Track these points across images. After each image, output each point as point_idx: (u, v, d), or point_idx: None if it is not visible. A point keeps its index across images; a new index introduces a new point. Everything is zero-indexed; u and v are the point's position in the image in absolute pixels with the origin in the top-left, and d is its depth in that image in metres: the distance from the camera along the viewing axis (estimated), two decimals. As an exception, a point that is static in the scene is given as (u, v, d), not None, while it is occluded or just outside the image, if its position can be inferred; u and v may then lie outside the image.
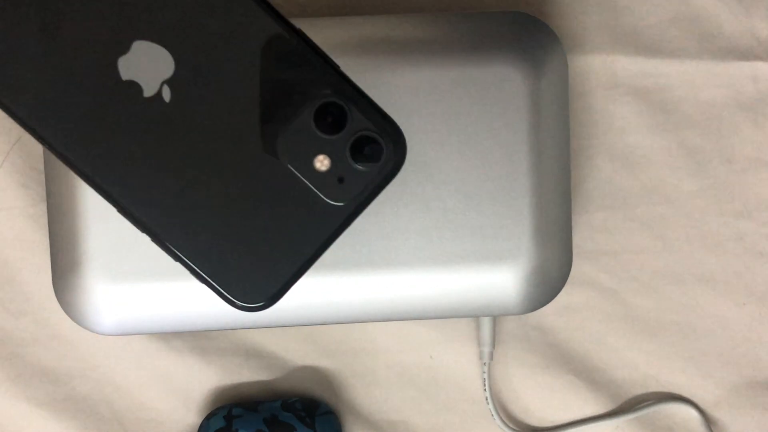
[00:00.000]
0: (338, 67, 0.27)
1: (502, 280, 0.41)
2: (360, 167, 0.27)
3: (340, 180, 0.27)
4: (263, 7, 0.26)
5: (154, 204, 0.27)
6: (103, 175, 0.27)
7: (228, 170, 0.27)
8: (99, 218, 0.40)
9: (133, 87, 0.26)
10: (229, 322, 0.42)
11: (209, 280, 0.28)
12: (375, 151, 0.27)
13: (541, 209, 0.40)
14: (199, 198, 0.27)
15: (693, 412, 0.48)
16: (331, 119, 0.27)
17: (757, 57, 0.47)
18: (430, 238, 0.40)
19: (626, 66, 0.47)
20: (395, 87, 0.39)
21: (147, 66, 0.26)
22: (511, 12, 0.41)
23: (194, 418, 0.48)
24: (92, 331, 0.42)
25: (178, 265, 0.40)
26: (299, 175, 0.27)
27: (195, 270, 0.28)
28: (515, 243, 0.40)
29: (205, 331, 0.45)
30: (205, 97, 0.27)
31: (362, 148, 0.27)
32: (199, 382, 0.48)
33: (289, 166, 0.27)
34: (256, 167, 0.27)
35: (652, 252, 0.48)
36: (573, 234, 0.44)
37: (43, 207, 0.46)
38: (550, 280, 0.42)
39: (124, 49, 0.26)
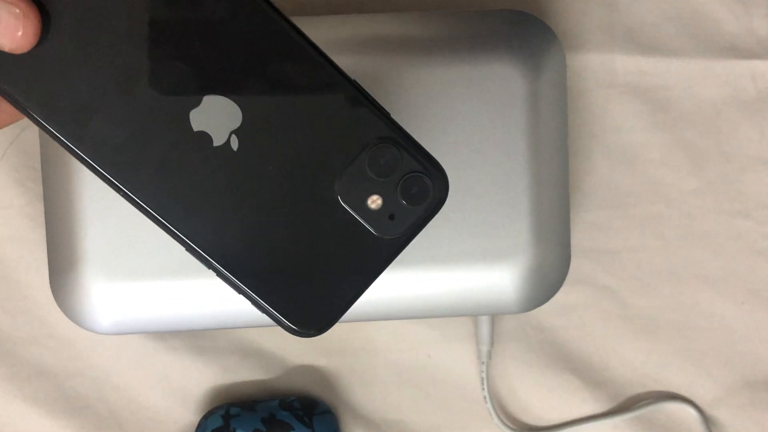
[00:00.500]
0: (389, 114, 0.30)
1: (500, 279, 0.41)
2: (408, 205, 0.30)
3: (391, 217, 0.30)
4: (321, 58, 0.29)
5: (222, 242, 0.30)
6: (175, 219, 0.29)
7: (289, 211, 0.30)
8: (96, 217, 0.40)
9: (204, 137, 0.29)
10: (227, 321, 0.42)
11: (271, 310, 0.31)
12: (422, 189, 0.30)
13: (540, 208, 0.40)
14: (263, 237, 0.30)
15: (691, 411, 0.48)
16: (383, 162, 0.29)
17: (756, 56, 0.47)
18: (428, 237, 0.40)
19: (625, 65, 0.47)
20: (393, 85, 0.39)
21: (217, 118, 0.29)
22: (509, 10, 0.41)
23: (192, 417, 0.48)
24: (89, 330, 0.42)
25: (175, 264, 0.40)
26: (354, 214, 0.30)
27: (258, 301, 0.30)
28: (513, 242, 0.40)
29: (203, 330, 0.45)
30: (269, 144, 0.29)
31: (410, 187, 0.30)
32: (197, 381, 0.48)
33: (345, 206, 0.29)
34: (315, 208, 0.30)
35: (651, 251, 0.48)
36: (571, 233, 0.43)
37: (41, 206, 0.46)
38: (548, 279, 0.42)
39: (196, 102, 0.29)
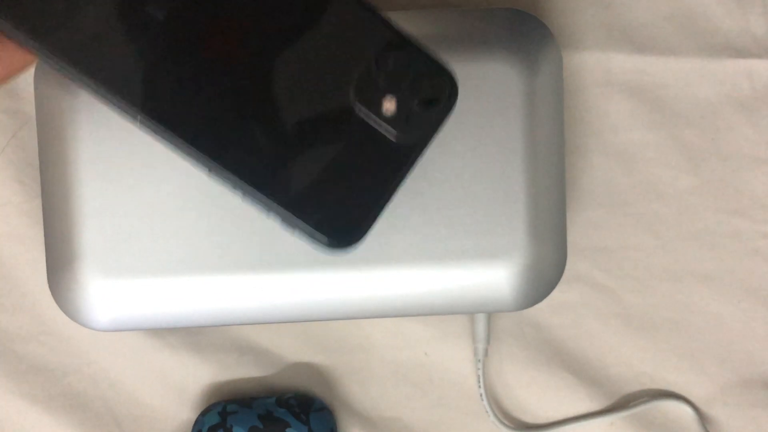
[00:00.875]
0: (395, 23, 0.31)
1: (496, 277, 0.41)
2: (422, 107, 0.30)
3: (407, 121, 0.30)
4: None
5: (248, 161, 0.30)
6: (201, 143, 0.30)
7: (309, 125, 0.30)
8: (94, 214, 0.40)
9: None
10: (224, 318, 0.42)
11: (304, 224, 0.30)
12: (434, 90, 0.30)
13: (536, 206, 0.40)
14: (288, 153, 0.30)
15: (687, 409, 0.48)
16: (394, 67, 0.30)
17: (753, 55, 0.47)
18: (424, 235, 0.40)
19: (621, 63, 0.47)
20: None
21: None
22: (505, 9, 0.41)
23: (189, 414, 0.48)
24: (87, 326, 0.42)
25: (172, 261, 0.40)
26: (370, 121, 0.30)
27: (290, 218, 0.30)
28: (509, 240, 0.40)
29: (200, 327, 0.45)
30: (283, 61, 0.30)
31: (423, 90, 0.30)
32: (194, 378, 0.48)
33: (361, 114, 0.30)
34: (333, 119, 0.30)
35: (647, 249, 0.48)
36: (568, 231, 0.44)
37: (39, 203, 0.46)
38: (544, 278, 0.42)
39: None
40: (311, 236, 0.31)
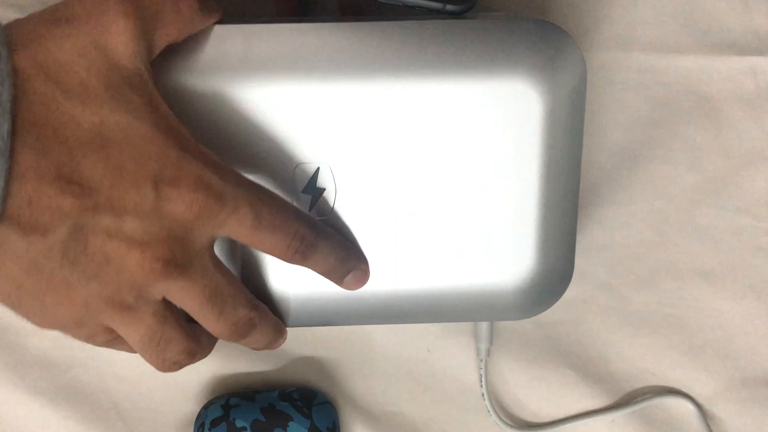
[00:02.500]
0: None
1: (502, 291, 0.40)
2: None
3: None
4: None
5: None
6: None
7: None
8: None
9: None
10: None
11: None
12: None
13: (548, 222, 0.39)
14: None
15: (690, 406, 0.48)
16: None
17: (757, 52, 0.47)
18: (431, 247, 0.39)
19: (625, 61, 0.47)
20: (404, 95, 0.37)
21: None
22: (531, 20, 0.38)
23: (192, 407, 0.48)
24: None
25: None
26: None
27: None
28: (519, 255, 0.39)
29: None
30: None
31: None
32: (197, 371, 0.48)
33: None
34: None
35: (650, 246, 0.48)
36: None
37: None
38: (550, 289, 0.41)
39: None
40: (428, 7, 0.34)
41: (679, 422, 0.49)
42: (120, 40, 0.31)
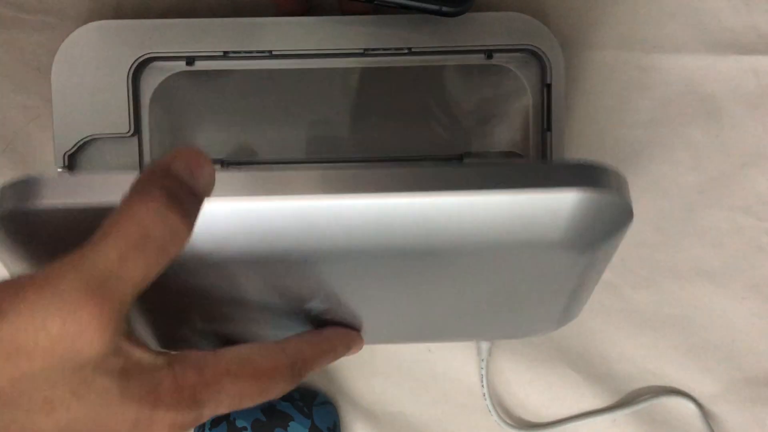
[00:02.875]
0: None
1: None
2: None
3: None
4: None
5: None
6: None
7: None
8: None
9: None
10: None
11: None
12: None
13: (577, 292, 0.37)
14: None
15: (691, 406, 0.48)
16: None
17: (758, 51, 0.47)
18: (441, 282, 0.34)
19: (626, 61, 0.47)
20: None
21: None
22: (575, 165, 0.31)
23: (193, 407, 0.48)
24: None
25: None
26: None
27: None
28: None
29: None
30: None
31: None
32: (198, 371, 0.48)
33: None
34: None
35: (652, 246, 0.48)
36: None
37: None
38: (563, 319, 0.40)
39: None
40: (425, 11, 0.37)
41: (680, 422, 0.49)
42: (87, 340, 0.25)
